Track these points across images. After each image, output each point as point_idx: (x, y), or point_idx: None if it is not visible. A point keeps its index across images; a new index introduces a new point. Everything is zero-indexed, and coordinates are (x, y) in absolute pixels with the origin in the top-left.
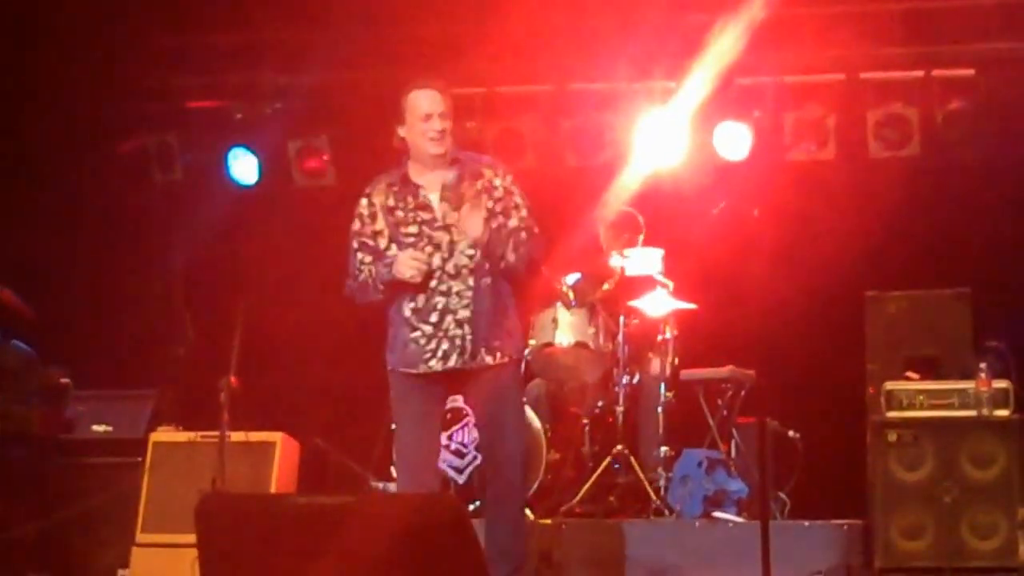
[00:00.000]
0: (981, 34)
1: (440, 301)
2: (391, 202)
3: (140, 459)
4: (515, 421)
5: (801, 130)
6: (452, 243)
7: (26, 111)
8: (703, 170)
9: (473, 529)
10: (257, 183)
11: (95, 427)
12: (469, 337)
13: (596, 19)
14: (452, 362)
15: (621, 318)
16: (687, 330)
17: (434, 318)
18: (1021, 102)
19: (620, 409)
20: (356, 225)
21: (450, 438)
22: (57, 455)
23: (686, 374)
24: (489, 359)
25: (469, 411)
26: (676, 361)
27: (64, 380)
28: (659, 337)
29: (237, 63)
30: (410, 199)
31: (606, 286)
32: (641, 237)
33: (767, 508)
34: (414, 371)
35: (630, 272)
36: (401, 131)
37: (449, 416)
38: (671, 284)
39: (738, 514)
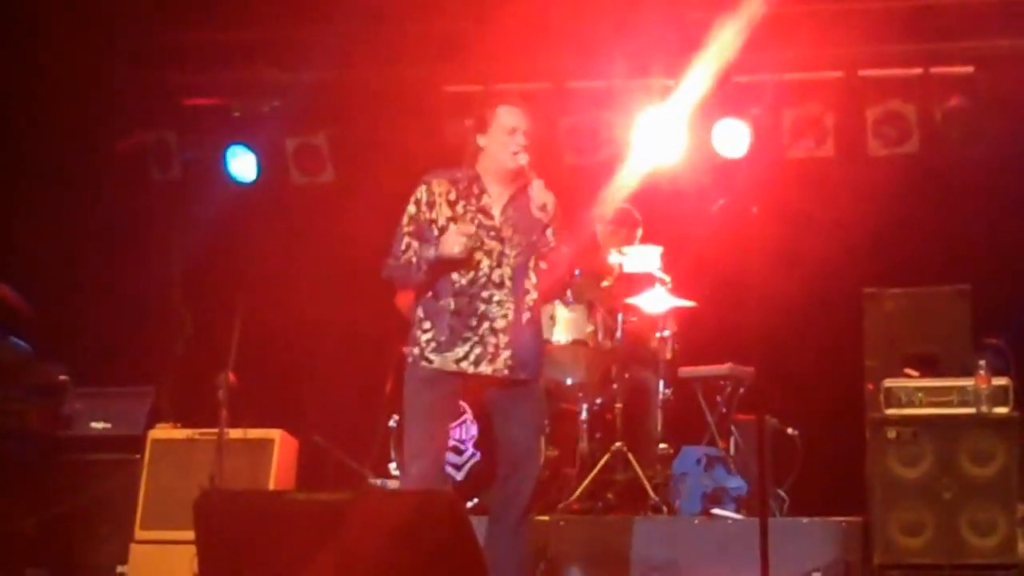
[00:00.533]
0: (980, 31)
1: (481, 307)
2: (453, 196)
3: (138, 456)
4: (539, 440)
5: (800, 127)
6: (502, 254)
7: (25, 109)
8: (701, 167)
9: (471, 526)
10: (255, 181)
11: (94, 424)
12: (503, 346)
13: (594, 17)
14: (482, 367)
15: (619, 315)
16: (686, 327)
17: (473, 322)
18: (1019, 99)
19: (619, 406)
20: (412, 209)
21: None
22: (56, 452)
23: (685, 371)
24: (521, 374)
25: (467, 408)
26: (675, 358)
27: (62, 377)
28: (657, 334)
29: (235, 61)
30: (474, 200)
31: (605, 283)
32: (639, 234)
33: (766, 505)
34: (442, 368)
35: (628, 269)
36: (481, 140)
37: None
38: (669, 281)
39: (737, 511)
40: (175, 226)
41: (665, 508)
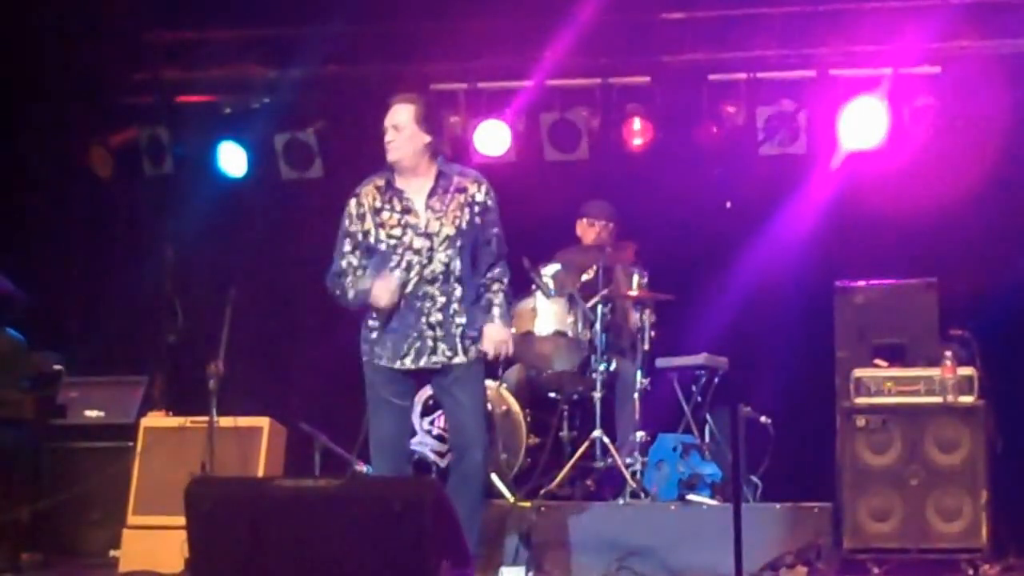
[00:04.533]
0: (947, 33)
1: (416, 304)
2: (378, 203)
3: (131, 444)
4: (480, 423)
5: (773, 125)
6: (431, 250)
7: (21, 105)
8: (679, 163)
9: (455, 511)
10: (246, 176)
11: (87, 412)
12: (441, 338)
13: (572, 17)
14: (423, 362)
15: (599, 307)
16: (662, 319)
17: (410, 319)
18: (984, 98)
19: (597, 395)
20: (345, 223)
21: (432, 424)
22: (50, 439)
23: (661, 362)
24: (459, 358)
25: None
26: (651, 349)
27: (57, 367)
28: (635, 326)
29: (226, 58)
30: (396, 202)
31: (585, 277)
32: (616, 228)
33: (740, 491)
34: (388, 367)
35: (607, 263)
36: None
37: (432, 402)
38: (646, 274)
39: (712, 497)
40: (167, 219)
41: (642, 494)
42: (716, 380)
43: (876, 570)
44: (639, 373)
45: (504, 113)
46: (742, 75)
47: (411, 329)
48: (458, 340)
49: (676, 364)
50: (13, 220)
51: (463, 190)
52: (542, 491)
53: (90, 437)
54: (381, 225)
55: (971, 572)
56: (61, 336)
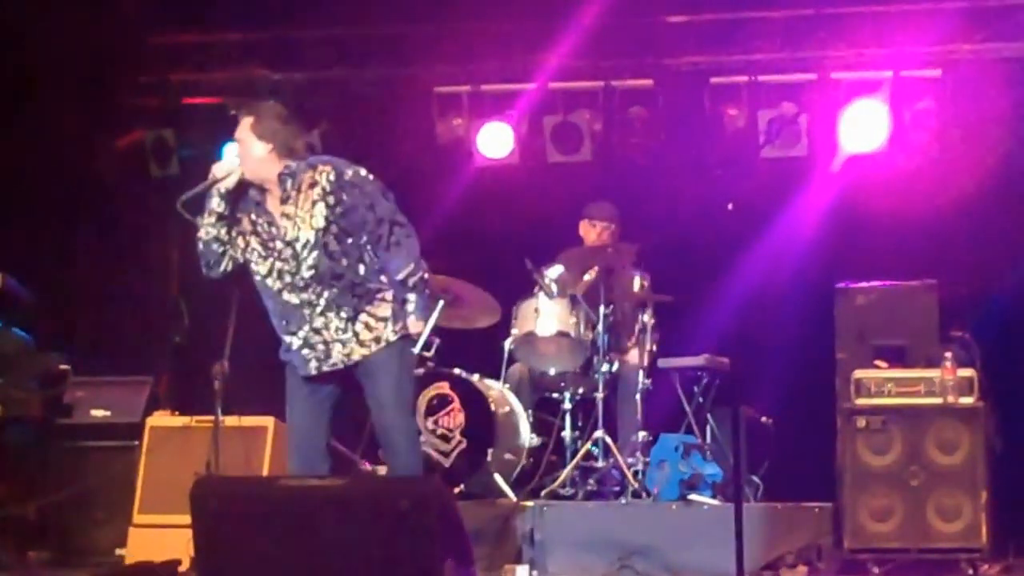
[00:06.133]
0: (948, 37)
1: (294, 313)
2: (253, 216)
3: (137, 443)
4: (398, 398)
5: (774, 128)
6: (296, 257)
7: (27, 107)
8: (680, 165)
9: (458, 510)
10: None
11: (93, 412)
12: (328, 343)
13: (575, 19)
14: (325, 367)
15: (601, 308)
16: (664, 320)
17: (292, 328)
18: (984, 101)
19: (600, 396)
20: None
21: (436, 423)
22: (56, 439)
23: (663, 363)
24: (356, 356)
25: (455, 397)
26: (654, 350)
27: (63, 366)
28: (637, 327)
29: (231, 61)
30: (261, 216)
31: (587, 277)
32: (619, 230)
33: (741, 491)
34: (296, 367)
35: (609, 264)
36: None
37: (435, 402)
38: (648, 276)
39: (713, 497)
40: (173, 220)
41: (644, 494)
42: (717, 381)
43: (876, 570)
44: (641, 374)
45: (507, 115)
46: (744, 78)
47: (296, 338)
48: (352, 337)
49: (678, 365)
50: (19, 221)
51: (313, 185)
52: (544, 491)
53: (96, 436)
54: (255, 233)
55: (971, 572)
56: (68, 336)
